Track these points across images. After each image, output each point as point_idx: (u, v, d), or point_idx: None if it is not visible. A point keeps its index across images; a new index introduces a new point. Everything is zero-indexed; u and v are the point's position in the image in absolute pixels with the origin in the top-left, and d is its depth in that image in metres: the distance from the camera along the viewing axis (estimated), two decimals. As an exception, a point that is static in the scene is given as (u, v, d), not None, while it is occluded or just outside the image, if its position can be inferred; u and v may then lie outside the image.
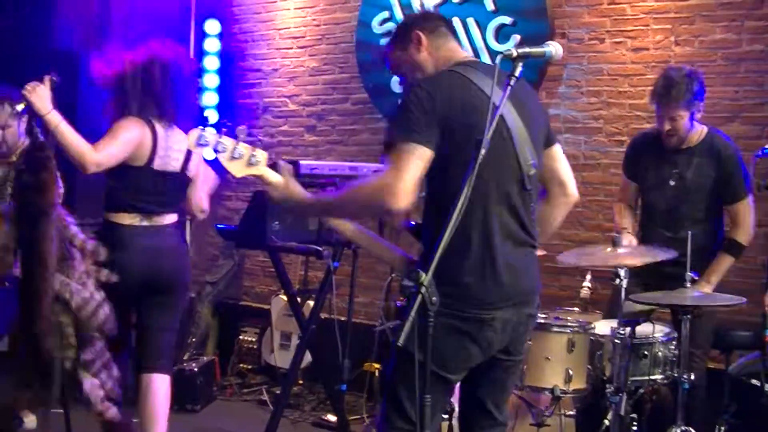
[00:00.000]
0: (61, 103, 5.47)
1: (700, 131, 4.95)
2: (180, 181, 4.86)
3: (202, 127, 3.20)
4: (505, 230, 3.17)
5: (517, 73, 2.88)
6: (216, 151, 3.14)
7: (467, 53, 3.60)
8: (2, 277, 4.15)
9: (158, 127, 4.70)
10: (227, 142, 3.16)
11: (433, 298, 2.65)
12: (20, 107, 4.12)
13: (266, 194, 3.29)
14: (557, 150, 3.50)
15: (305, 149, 7.57)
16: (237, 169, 3.19)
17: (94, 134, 4.38)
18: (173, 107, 4.77)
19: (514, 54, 2.92)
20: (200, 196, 5.00)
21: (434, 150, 3.03)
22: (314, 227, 5.27)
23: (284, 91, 7.79)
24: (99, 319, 4.26)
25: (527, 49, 2.96)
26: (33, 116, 4.17)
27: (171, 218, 4.84)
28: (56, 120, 4.27)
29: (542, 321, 4.50)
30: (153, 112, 4.68)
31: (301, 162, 4.90)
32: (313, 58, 7.60)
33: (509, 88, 2.85)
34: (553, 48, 3.02)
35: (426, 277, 2.63)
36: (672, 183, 4.97)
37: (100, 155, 4.37)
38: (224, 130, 3.20)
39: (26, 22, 7.10)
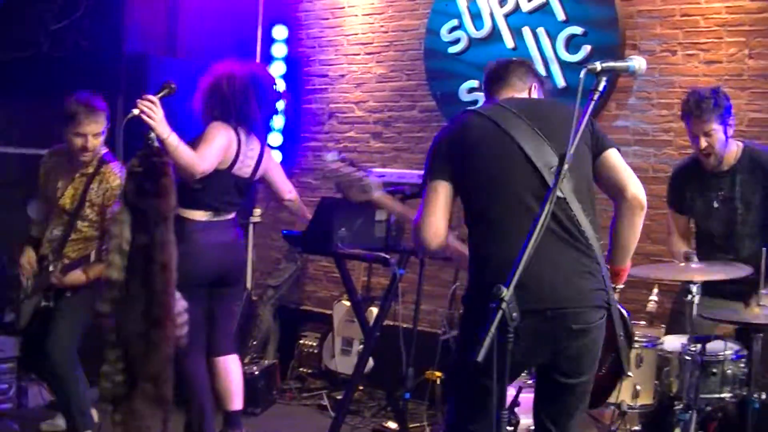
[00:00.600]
0: (134, 102, 5.62)
1: (736, 149, 4.93)
2: (249, 186, 5.24)
3: (339, 152, 3.79)
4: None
5: (600, 87, 2.87)
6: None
7: (513, 92, 3.74)
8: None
9: (241, 133, 4.99)
10: (346, 169, 3.43)
11: (513, 314, 2.64)
12: (137, 111, 4.18)
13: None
14: (609, 156, 3.49)
15: (371, 156, 7.58)
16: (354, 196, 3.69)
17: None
18: (253, 117, 5.07)
19: (598, 68, 2.92)
20: (283, 180, 5.39)
21: (450, 180, 3.47)
22: (381, 234, 5.28)
23: (351, 98, 7.80)
24: (182, 331, 4.30)
25: (611, 63, 2.96)
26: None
27: (233, 215, 5.18)
28: (175, 142, 4.58)
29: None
30: (235, 120, 4.97)
31: (371, 170, 4.91)
32: (381, 65, 7.62)
33: (593, 102, 2.85)
34: (637, 62, 3.01)
35: (507, 293, 2.62)
36: (721, 206, 4.95)
37: (204, 164, 4.74)
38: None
39: (99, 26, 7.17)
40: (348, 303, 6.95)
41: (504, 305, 2.63)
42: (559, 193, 3.08)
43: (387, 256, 4.91)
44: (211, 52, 7.73)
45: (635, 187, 3.46)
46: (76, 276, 5.19)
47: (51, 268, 5.22)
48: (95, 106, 5.22)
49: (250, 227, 7.89)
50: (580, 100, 2.92)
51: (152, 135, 4.21)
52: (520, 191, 3.34)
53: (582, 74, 2.89)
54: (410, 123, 7.42)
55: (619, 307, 3.47)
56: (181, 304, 4.32)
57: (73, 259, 5.23)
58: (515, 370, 3.31)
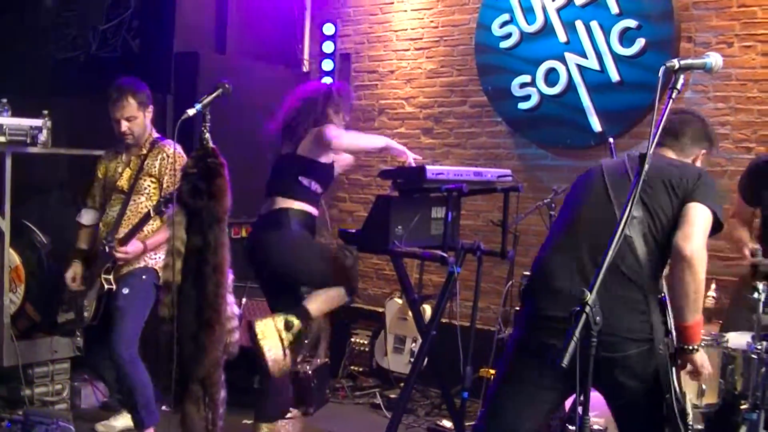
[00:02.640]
0: (183, 105, 5.62)
1: None
2: None
3: None
4: (581, 267, 3.44)
5: (678, 86, 2.83)
6: None
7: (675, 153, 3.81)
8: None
9: None
10: None
11: (597, 318, 2.63)
12: (192, 112, 4.16)
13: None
14: (688, 209, 3.48)
15: (421, 152, 7.47)
16: None
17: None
18: None
19: (676, 66, 2.90)
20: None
21: None
22: (437, 231, 5.24)
23: (401, 93, 7.79)
24: (233, 338, 4.29)
25: (689, 61, 2.94)
26: (204, 122, 4.23)
27: None
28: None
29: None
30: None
31: (428, 167, 4.87)
32: (431, 60, 7.59)
33: (671, 100, 2.81)
34: (714, 59, 2.97)
35: (590, 297, 2.60)
36: None
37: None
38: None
39: (148, 25, 7.19)
40: (400, 300, 6.95)
41: (588, 309, 2.61)
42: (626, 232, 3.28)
43: (445, 255, 4.86)
44: (260, 49, 7.75)
45: (679, 237, 3.43)
46: (134, 248, 5.26)
47: (107, 248, 5.24)
48: (124, 89, 5.35)
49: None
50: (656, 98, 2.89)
51: (207, 135, 4.18)
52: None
53: (660, 72, 2.87)
54: (461, 119, 7.39)
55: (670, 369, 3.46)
56: (233, 308, 4.31)
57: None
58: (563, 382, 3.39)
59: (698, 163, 3.83)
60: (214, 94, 4.30)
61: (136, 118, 5.32)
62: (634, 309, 3.39)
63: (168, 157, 5.28)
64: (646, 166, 2.80)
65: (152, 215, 5.23)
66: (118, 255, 5.22)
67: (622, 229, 2.78)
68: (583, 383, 2.71)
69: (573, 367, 3.29)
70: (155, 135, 5.45)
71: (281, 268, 5.14)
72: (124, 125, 5.29)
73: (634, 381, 3.42)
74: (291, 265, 5.14)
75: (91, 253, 5.49)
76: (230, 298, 4.20)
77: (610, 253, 2.77)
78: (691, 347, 3.50)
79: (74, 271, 5.46)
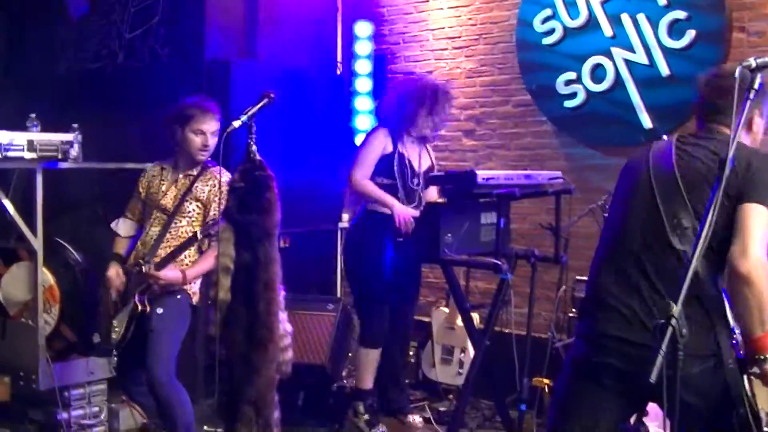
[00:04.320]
0: (219, 100, 5.60)
1: None
2: None
3: None
4: (630, 281, 3.36)
5: (756, 85, 2.74)
6: None
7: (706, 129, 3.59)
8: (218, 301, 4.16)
9: None
10: None
11: (683, 330, 2.57)
12: (237, 123, 4.13)
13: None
14: (744, 209, 3.25)
15: (463, 154, 7.50)
16: None
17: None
18: None
19: (753, 65, 2.82)
20: None
21: None
22: (487, 238, 5.19)
23: (440, 95, 7.69)
24: (286, 356, 4.24)
25: (766, 59, 2.82)
26: (250, 133, 4.19)
27: None
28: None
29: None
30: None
31: (478, 172, 4.84)
32: (470, 59, 7.53)
33: (749, 102, 2.73)
34: (792, 56, 2.86)
35: (676, 309, 2.54)
36: None
37: None
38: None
39: (176, 32, 7.16)
40: (446, 309, 6.88)
41: (674, 322, 2.54)
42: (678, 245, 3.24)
43: (498, 262, 4.82)
44: (292, 54, 7.72)
45: (734, 252, 3.22)
46: (173, 274, 5.17)
47: (144, 268, 5.19)
48: (211, 107, 5.31)
49: (338, 233, 7.85)
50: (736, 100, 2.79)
51: (253, 147, 4.14)
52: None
53: (737, 72, 2.79)
54: (504, 119, 7.33)
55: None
56: (285, 326, 4.26)
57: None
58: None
59: (756, 129, 3.56)
60: (259, 105, 4.26)
61: (216, 136, 5.29)
62: (699, 325, 3.27)
63: (219, 185, 5.22)
64: (727, 171, 2.71)
65: (199, 237, 5.15)
66: (152, 277, 5.15)
67: (700, 252, 2.71)
68: (668, 404, 2.64)
69: (633, 387, 3.23)
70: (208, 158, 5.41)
71: None
72: (210, 140, 5.24)
73: (700, 399, 3.32)
74: None
75: (125, 265, 5.44)
76: (282, 316, 4.16)
77: (690, 272, 2.69)
78: (763, 357, 3.39)
79: (115, 270, 5.40)
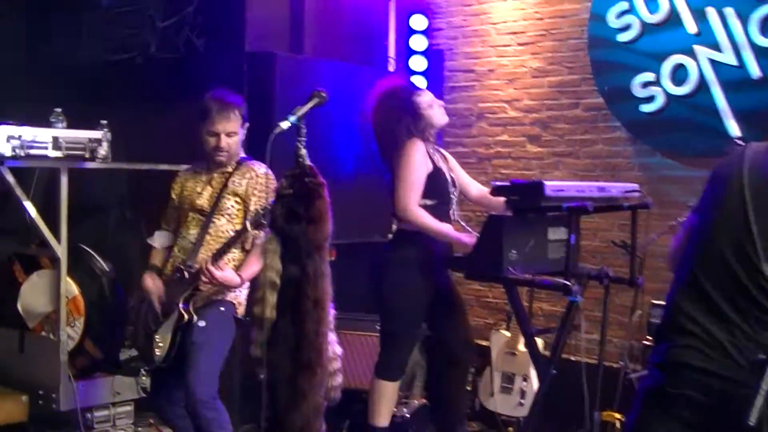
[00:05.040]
0: (258, 114, 5.62)
1: None
2: None
3: None
4: (714, 307, 3.23)
5: None
6: None
7: None
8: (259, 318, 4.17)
9: None
10: None
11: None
12: (286, 125, 4.14)
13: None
14: None
15: (527, 162, 7.49)
16: None
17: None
18: None
19: None
20: None
21: None
22: (555, 255, 5.17)
23: (502, 95, 7.74)
24: (335, 381, 4.25)
25: None
26: (299, 135, 4.21)
27: None
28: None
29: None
30: None
31: (546, 183, 4.81)
32: (536, 57, 7.53)
33: None
34: None
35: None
36: None
37: None
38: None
39: (214, 22, 7.19)
40: (507, 333, 6.87)
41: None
42: None
43: (568, 283, 4.80)
44: (340, 48, 7.73)
45: None
46: (231, 274, 5.20)
47: (186, 273, 5.21)
48: (228, 102, 5.34)
49: (388, 245, 7.86)
50: None
51: (303, 151, 4.15)
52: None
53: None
54: (573, 124, 7.32)
55: None
56: (335, 347, 4.27)
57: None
58: None
59: None
60: (309, 104, 4.29)
61: (236, 134, 5.34)
62: None
63: (257, 176, 5.26)
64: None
65: (249, 229, 5.13)
66: (213, 272, 5.11)
67: None
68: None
69: (713, 423, 3.20)
70: (243, 155, 5.44)
71: None
72: (224, 140, 5.29)
73: None
74: None
75: (163, 277, 5.46)
76: (332, 337, 4.17)
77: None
78: None
79: (151, 278, 5.42)
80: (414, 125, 5.76)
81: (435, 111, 5.85)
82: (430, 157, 5.78)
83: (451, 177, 5.88)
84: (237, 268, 5.26)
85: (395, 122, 5.78)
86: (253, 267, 5.16)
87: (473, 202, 6.27)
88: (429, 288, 5.73)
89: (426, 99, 5.84)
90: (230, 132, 5.29)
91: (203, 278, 5.14)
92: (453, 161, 6.10)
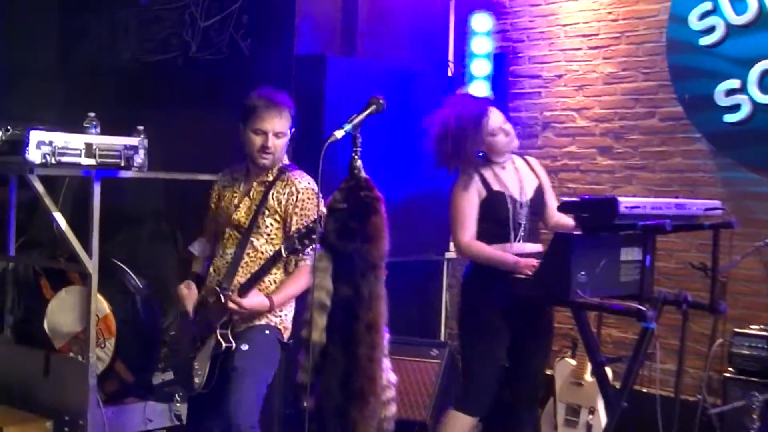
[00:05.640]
0: (308, 120, 5.63)
1: None
2: None
3: None
4: None
5: None
6: None
7: None
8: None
9: None
10: None
11: None
12: (340, 134, 4.14)
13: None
14: None
15: (597, 176, 7.45)
16: None
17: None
18: None
19: None
20: None
21: None
22: (628, 278, 5.14)
23: (571, 103, 7.72)
24: (389, 412, 4.25)
25: None
26: (355, 146, 4.21)
27: None
28: None
29: None
30: None
31: (620, 199, 4.79)
32: (609, 62, 7.49)
33: None
34: None
35: None
36: None
37: None
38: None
39: (261, 21, 7.21)
40: (572, 361, 6.83)
41: None
42: None
43: (642, 308, 4.77)
44: (396, 51, 7.75)
45: None
46: (258, 301, 5.16)
47: (222, 297, 5.19)
48: (277, 101, 5.32)
49: (444, 264, 7.84)
50: None
51: (358, 163, 4.15)
52: None
53: None
54: (649, 134, 7.27)
55: None
56: (389, 375, 4.26)
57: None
58: None
59: None
60: (366, 112, 4.28)
61: (284, 136, 5.31)
62: None
63: (297, 192, 5.25)
64: None
65: (284, 254, 5.14)
66: (232, 307, 5.17)
67: None
68: None
69: None
70: (286, 161, 5.43)
71: None
72: (271, 140, 5.26)
73: None
74: None
75: (201, 288, 5.46)
76: (386, 363, 4.16)
77: None
78: None
79: (187, 285, 5.41)
80: (471, 149, 5.78)
81: (499, 139, 5.86)
82: (486, 183, 5.84)
83: (516, 199, 5.86)
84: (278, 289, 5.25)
85: (455, 142, 5.81)
86: (289, 290, 5.20)
87: (550, 229, 6.20)
88: (511, 315, 5.74)
89: (493, 124, 5.84)
90: (278, 132, 5.26)
91: (230, 310, 5.14)
92: (539, 175, 6.13)
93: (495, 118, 5.85)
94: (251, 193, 5.34)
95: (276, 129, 5.26)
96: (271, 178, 5.31)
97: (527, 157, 6.18)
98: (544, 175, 6.16)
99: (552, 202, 6.06)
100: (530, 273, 5.40)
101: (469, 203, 5.81)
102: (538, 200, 5.94)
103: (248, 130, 5.29)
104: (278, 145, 5.28)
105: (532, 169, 6.09)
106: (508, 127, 5.94)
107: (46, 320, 6.41)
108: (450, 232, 5.97)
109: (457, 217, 5.83)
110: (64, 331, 6.29)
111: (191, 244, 5.63)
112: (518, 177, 5.97)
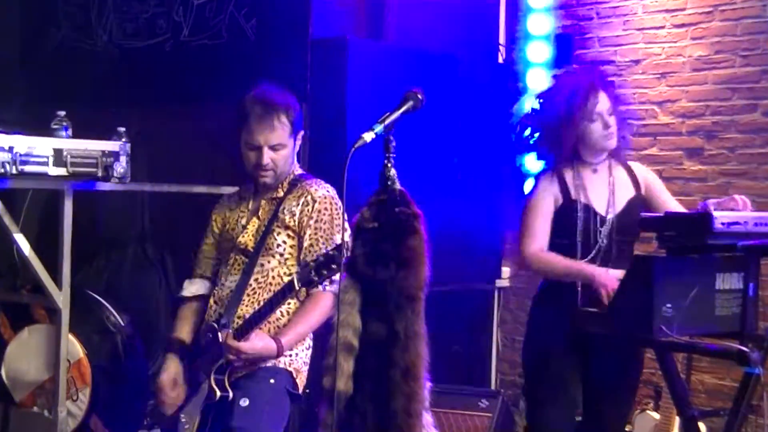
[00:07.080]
0: (326, 108, 5.61)
1: None
2: None
3: None
4: None
5: None
6: None
7: None
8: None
9: None
10: None
11: None
12: (369, 137, 4.13)
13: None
14: None
15: (685, 184, 7.45)
16: None
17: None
18: None
19: None
20: None
21: None
22: (727, 311, 5.10)
23: (651, 95, 7.75)
24: None
25: None
26: (387, 151, 4.20)
27: None
28: None
29: None
30: None
31: (714, 213, 4.76)
32: (699, 44, 7.51)
33: None
34: None
35: None
36: None
37: None
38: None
39: (274, 2, 7.21)
40: (656, 414, 6.82)
41: None
42: None
43: (745, 348, 4.73)
44: (432, 33, 7.75)
45: None
46: (262, 344, 5.09)
47: (220, 336, 5.13)
48: (273, 104, 5.24)
49: (495, 294, 7.83)
50: None
51: (392, 172, 4.13)
52: None
53: None
54: (749, 133, 7.29)
55: None
56: (430, 431, 4.26)
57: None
58: None
59: None
60: (401, 110, 4.27)
61: (285, 147, 5.24)
62: None
63: (314, 201, 5.21)
64: None
65: (296, 287, 5.08)
66: (230, 357, 5.09)
67: None
68: None
69: None
70: (298, 171, 5.38)
71: None
72: (267, 156, 5.20)
73: None
74: None
75: (193, 343, 5.45)
76: (426, 418, 4.15)
77: None
78: None
79: (173, 372, 5.39)
80: (564, 141, 5.74)
81: (595, 127, 5.71)
82: (565, 188, 5.79)
83: (597, 212, 5.78)
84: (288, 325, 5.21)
85: (549, 128, 5.82)
86: (300, 327, 5.15)
87: None
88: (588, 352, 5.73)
89: (597, 108, 5.71)
90: (275, 144, 5.20)
91: (229, 356, 5.08)
92: (640, 183, 5.97)
93: (603, 102, 5.73)
94: (260, 212, 5.31)
95: (271, 142, 5.20)
96: (281, 194, 5.27)
97: (632, 163, 6.02)
98: (654, 181, 6.01)
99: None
100: (609, 293, 5.35)
101: (542, 211, 5.78)
102: (630, 216, 5.73)
103: (242, 142, 5.28)
104: (277, 158, 5.22)
105: (634, 179, 5.93)
106: (612, 120, 5.75)
107: (4, 367, 6.42)
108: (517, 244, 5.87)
109: (527, 223, 5.80)
110: (27, 380, 6.30)
111: (182, 286, 5.58)
112: (610, 187, 5.86)
